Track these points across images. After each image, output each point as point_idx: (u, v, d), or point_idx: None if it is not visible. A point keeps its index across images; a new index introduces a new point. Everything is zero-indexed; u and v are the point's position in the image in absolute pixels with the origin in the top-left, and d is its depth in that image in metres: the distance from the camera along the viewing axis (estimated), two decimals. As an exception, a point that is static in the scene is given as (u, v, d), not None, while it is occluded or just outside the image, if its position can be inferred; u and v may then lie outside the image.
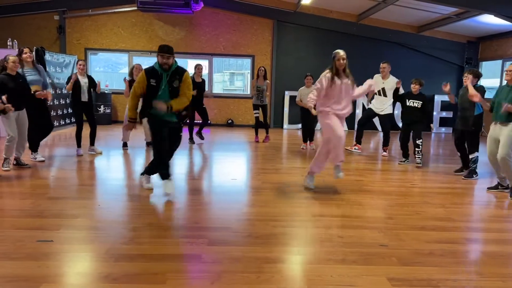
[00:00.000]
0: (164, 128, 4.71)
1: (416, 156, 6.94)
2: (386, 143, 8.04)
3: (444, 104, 12.35)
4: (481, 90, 5.71)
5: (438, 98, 12.40)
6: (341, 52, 5.02)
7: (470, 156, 6.12)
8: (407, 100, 6.95)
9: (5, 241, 3.31)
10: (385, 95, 7.77)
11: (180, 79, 4.66)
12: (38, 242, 3.32)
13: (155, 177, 5.09)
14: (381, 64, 7.82)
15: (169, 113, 4.62)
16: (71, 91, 6.84)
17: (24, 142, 6.06)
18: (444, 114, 12.60)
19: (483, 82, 13.03)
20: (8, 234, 3.47)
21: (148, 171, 5.06)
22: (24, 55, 6.19)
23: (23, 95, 5.78)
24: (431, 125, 7.06)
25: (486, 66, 12.78)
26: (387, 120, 7.98)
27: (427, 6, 9.67)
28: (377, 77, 7.84)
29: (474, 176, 6.12)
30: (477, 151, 6.08)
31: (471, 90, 5.50)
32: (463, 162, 6.46)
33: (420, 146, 6.91)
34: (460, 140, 6.31)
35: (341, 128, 4.92)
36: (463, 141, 6.26)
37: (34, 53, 6.33)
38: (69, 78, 6.88)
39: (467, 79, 5.80)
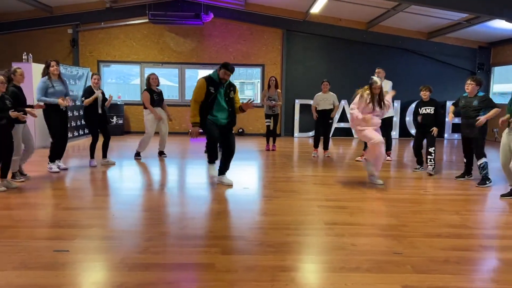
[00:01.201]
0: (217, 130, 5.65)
1: (429, 164, 6.87)
2: (389, 147, 8.04)
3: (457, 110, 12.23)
4: (485, 101, 5.94)
5: (450, 104, 12.28)
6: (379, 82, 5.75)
7: (478, 163, 6.06)
8: (419, 108, 6.92)
9: (23, 251, 3.37)
10: None
11: (234, 90, 5.75)
12: (55, 252, 3.37)
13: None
14: (376, 69, 7.83)
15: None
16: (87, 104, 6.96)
17: (30, 154, 6.17)
18: (456, 120, 12.46)
19: (496, 87, 12.96)
20: (26, 244, 3.53)
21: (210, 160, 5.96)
22: (51, 68, 6.36)
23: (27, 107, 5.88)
24: (434, 129, 6.80)
25: (498, 71, 12.67)
26: (388, 124, 7.99)
27: (436, 12, 9.66)
28: None
29: (487, 182, 6.04)
30: (485, 156, 6.04)
31: (489, 117, 5.87)
32: (466, 168, 6.44)
33: (433, 154, 6.83)
34: (466, 146, 6.28)
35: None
36: (470, 147, 6.23)
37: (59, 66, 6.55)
38: (85, 91, 7.00)
39: (469, 86, 6.07)
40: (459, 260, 3.32)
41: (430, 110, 6.82)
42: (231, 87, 5.73)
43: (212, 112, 5.61)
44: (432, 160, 6.85)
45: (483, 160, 6.02)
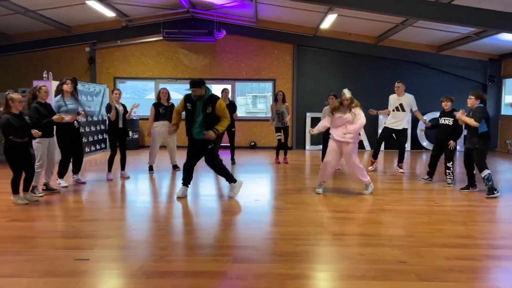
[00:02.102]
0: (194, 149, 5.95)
1: (447, 177, 6.97)
2: (401, 159, 8.15)
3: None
4: (481, 111, 6.09)
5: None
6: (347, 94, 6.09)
7: (482, 175, 6.13)
8: (440, 118, 7.00)
9: (46, 260, 3.58)
10: (403, 110, 8.16)
11: (213, 106, 5.64)
12: (76, 261, 3.57)
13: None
14: (396, 83, 8.30)
15: (218, 137, 5.85)
16: (112, 119, 7.22)
17: (52, 168, 6.40)
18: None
19: (508, 99, 12.96)
20: (48, 253, 3.74)
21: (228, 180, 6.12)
22: (66, 86, 6.62)
23: (52, 122, 6.13)
24: (451, 142, 6.81)
25: (510, 83, 12.67)
26: (403, 135, 8.15)
27: (445, 26, 9.79)
28: (393, 96, 8.36)
29: (495, 192, 6.11)
30: (487, 168, 6.12)
31: (470, 122, 6.09)
32: (469, 179, 6.51)
33: (451, 168, 6.91)
34: (468, 158, 6.38)
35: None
36: (470, 159, 6.33)
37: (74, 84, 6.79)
38: (108, 107, 7.27)
39: (469, 101, 6.28)
40: (463, 269, 3.42)
41: (448, 121, 6.84)
42: (210, 102, 5.67)
43: (189, 128, 5.83)
44: (450, 173, 6.93)
45: (486, 172, 6.09)
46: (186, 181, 6.09)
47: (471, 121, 6.05)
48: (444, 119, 6.90)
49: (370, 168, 8.37)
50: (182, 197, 5.96)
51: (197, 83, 5.62)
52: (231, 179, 6.08)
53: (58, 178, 6.78)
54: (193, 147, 5.94)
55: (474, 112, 6.16)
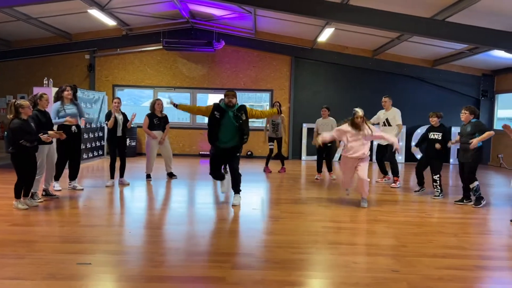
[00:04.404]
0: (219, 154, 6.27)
1: (435, 189, 7.12)
2: (395, 172, 8.21)
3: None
4: (475, 125, 6.30)
5: (455, 130, 12.53)
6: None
7: (471, 186, 6.39)
8: (428, 133, 7.15)
9: (50, 263, 3.67)
10: (389, 125, 8.23)
11: (245, 112, 6.04)
12: (78, 265, 3.66)
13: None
14: (383, 98, 8.40)
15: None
16: (110, 127, 7.35)
17: (52, 174, 6.51)
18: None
19: (500, 113, 13.21)
20: (52, 257, 3.83)
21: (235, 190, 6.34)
22: (66, 93, 6.78)
23: (52, 130, 6.23)
24: (437, 144, 6.86)
25: (502, 98, 12.93)
26: (391, 150, 8.21)
27: (439, 42, 10.03)
28: (381, 111, 8.50)
29: (482, 202, 6.41)
30: (476, 180, 6.40)
31: (480, 139, 6.18)
32: (465, 193, 6.65)
33: (438, 181, 7.04)
34: (462, 171, 6.55)
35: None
36: (464, 172, 6.51)
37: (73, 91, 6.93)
38: (107, 115, 7.41)
39: (463, 115, 6.47)
40: (453, 278, 3.55)
41: (437, 135, 6.98)
42: (241, 110, 6.02)
43: (216, 136, 6.06)
44: (438, 186, 7.06)
45: (475, 183, 6.36)
46: (222, 178, 6.55)
47: (485, 135, 6.15)
48: (433, 134, 7.05)
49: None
50: (228, 191, 6.63)
51: (233, 91, 6.07)
52: (238, 189, 6.29)
53: (53, 180, 6.89)
54: (219, 155, 6.22)
55: (470, 126, 6.32)
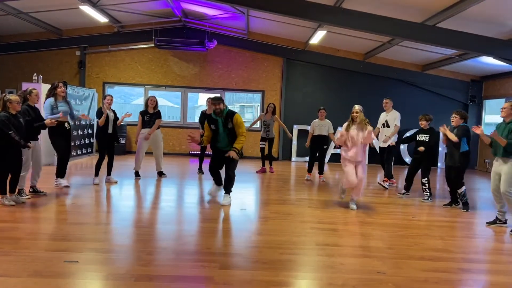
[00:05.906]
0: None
1: (424, 193, 7.19)
2: (389, 175, 8.32)
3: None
4: (463, 129, 6.41)
5: (441, 135, 12.67)
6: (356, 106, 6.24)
7: (459, 191, 6.52)
8: (417, 135, 7.24)
9: (37, 261, 3.64)
10: (388, 126, 8.33)
11: (231, 120, 6.02)
12: (65, 263, 3.64)
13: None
14: (384, 99, 8.52)
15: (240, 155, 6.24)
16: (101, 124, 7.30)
17: (39, 170, 6.45)
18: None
19: (488, 119, 13.39)
20: (39, 255, 3.80)
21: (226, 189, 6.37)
22: (59, 89, 6.74)
23: (44, 126, 6.21)
24: (421, 148, 7.02)
25: (490, 104, 13.12)
26: (389, 152, 8.31)
27: (429, 47, 10.15)
28: (383, 113, 8.59)
29: (468, 206, 6.56)
30: (463, 185, 6.53)
31: (451, 136, 6.33)
32: (452, 196, 6.76)
33: (427, 184, 7.12)
34: (449, 175, 6.65)
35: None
36: (451, 176, 6.61)
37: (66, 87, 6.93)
38: (97, 112, 7.36)
39: (453, 119, 6.56)
40: (438, 281, 3.60)
41: (425, 137, 7.09)
42: (228, 117, 6.08)
43: (215, 143, 6.34)
44: (426, 189, 7.14)
45: (463, 188, 6.50)
46: (218, 182, 6.66)
47: (452, 136, 6.33)
48: (422, 136, 7.15)
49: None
50: (214, 196, 6.68)
51: (218, 98, 6.09)
52: (229, 190, 6.34)
53: (58, 178, 6.87)
54: (218, 156, 6.36)
55: (457, 129, 6.45)
